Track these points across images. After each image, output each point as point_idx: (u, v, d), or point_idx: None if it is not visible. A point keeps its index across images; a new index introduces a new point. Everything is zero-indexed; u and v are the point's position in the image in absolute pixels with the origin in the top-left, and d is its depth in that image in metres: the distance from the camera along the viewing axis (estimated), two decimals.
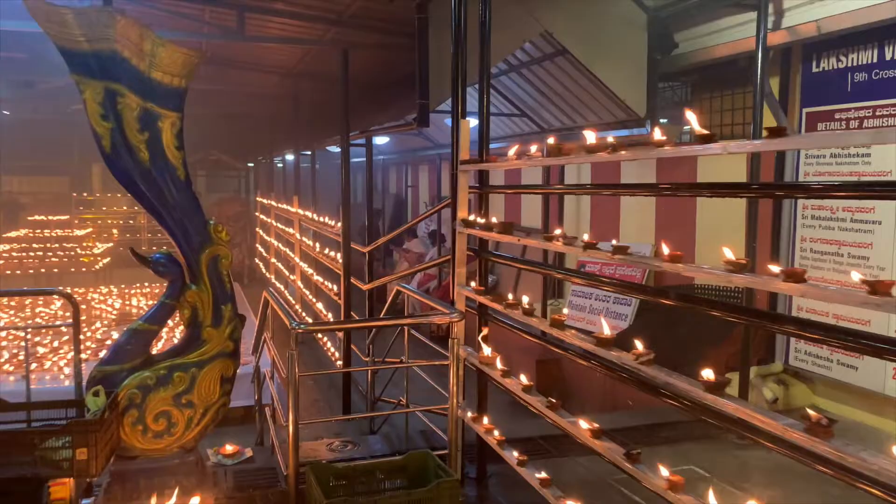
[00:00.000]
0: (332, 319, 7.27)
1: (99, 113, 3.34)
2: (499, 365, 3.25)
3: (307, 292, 9.01)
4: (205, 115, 15.16)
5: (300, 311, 9.16)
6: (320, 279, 7.84)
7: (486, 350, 3.41)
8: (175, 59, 3.40)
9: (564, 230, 3.05)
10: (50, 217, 13.54)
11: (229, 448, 4.10)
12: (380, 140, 10.66)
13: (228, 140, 15.56)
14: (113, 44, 3.25)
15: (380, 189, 17.62)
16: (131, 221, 17.16)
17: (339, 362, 6.83)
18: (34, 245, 12.97)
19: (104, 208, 17.57)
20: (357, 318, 6.29)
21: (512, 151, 3.30)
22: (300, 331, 3.24)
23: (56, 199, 19.96)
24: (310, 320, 7.36)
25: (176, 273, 3.56)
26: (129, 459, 3.45)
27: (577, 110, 6.08)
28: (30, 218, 13.71)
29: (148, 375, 3.42)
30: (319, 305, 7.98)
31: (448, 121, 7.46)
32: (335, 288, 7.38)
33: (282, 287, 11.42)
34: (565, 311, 7.37)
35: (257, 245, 14.69)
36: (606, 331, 2.63)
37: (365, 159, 6.35)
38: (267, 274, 12.66)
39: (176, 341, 6.19)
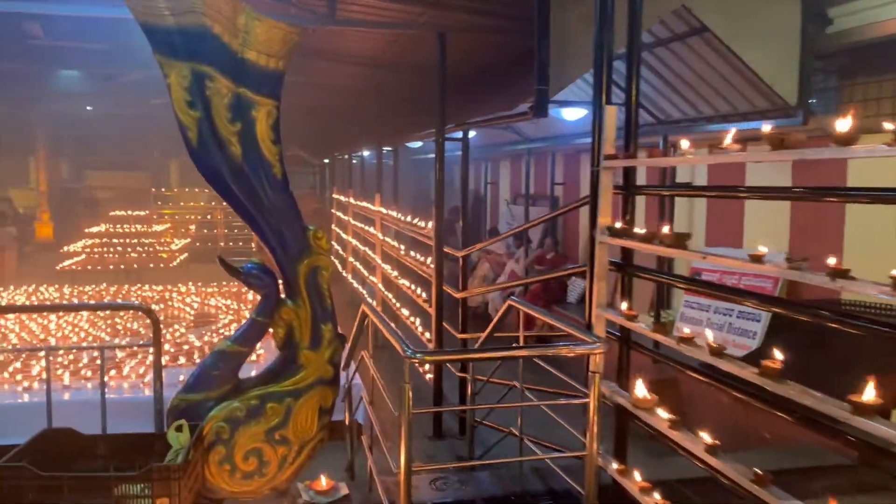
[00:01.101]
0: (421, 329, 6.74)
1: (185, 100, 2.86)
2: (664, 414, 2.61)
3: (389, 294, 8.53)
4: (281, 108, 14.99)
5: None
6: (406, 283, 7.32)
7: (642, 390, 2.77)
8: (272, 37, 2.90)
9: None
10: (130, 212, 13.51)
11: (323, 483, 3.60)
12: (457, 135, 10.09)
13: (305, 135, 15.28)
14: (201, 17, 2.77)
15: (454, 186, 17.10)
16: (209, 217, 17.18)
17: (429, 375, 6.30)
18: (114, 240, 12.99)
19: (182, 203, 17.66)
20: (459, 333, 5.73)
21: (686, 143, 2.63)
22: (416, 360, 2.69)
23: (136, 195, 20.26)
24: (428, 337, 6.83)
25: (270, 286, 3.07)
26: (214, 503, 2.98)
27: (708, 99, 5.35)
28: (111, 213, 13.72)
29: (237, 406, 2.93)
30: (405, 311, 7.47)
31: (557, 111, 6.87)
32: (424, 294, 6.85)
33: (357, 286, 11.01)
34: (678, 324, 6.63)
35: (333, 243, 14.36)
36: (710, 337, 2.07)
37: (442, 155, 5.75)
38: (343, 273, 12.28)
39: (256, 358, 5.82)
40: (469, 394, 4.57)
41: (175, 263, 12.63)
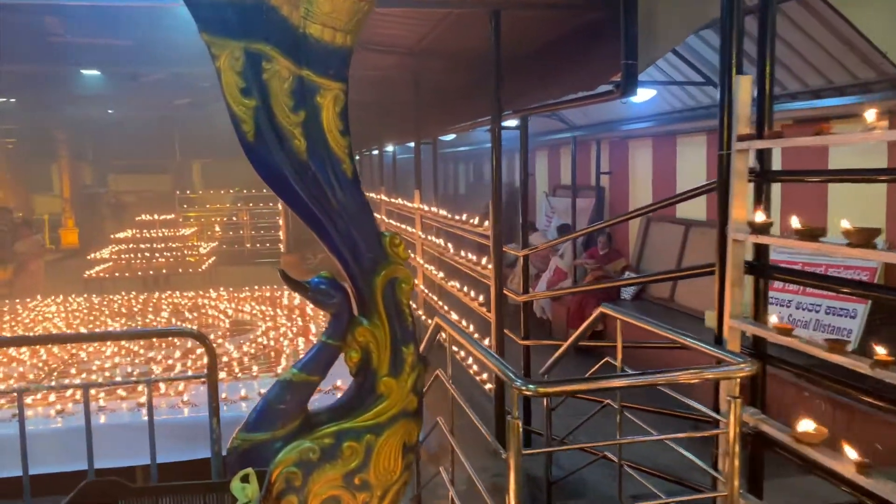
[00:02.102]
0: (477, 336, 6.27)
1: (238, 87, 2.40)
2: (853, 455, 2.11)
3: (433, 297, 8.08)
4: None
5: (424, 317, 8.26)
6: (454, 284, 6.85)
7: (807, 424, 2.27)
8: (338, 7, 2.43)
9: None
10: (156, 216, 13.20)
11: None
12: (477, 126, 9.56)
13: None
14: None
15: (487, 179, 16.60)
16: (234, 218, 16.87)
17: (488, 385, 5.84)
18: (141, 246, 12.68)
19: (207, 206, 17.36)
20: (521, 340, 5.26)
21: (872, 115, 2.12)
22: (529, 392, 2.21)
23: (159, 198, 20.00)
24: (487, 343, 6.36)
25: (342, 304, 2.61)
26: None
27: (798, 74, 4.81)
28: (136, 218, 13.42)
29: (309, 447, 2.48)
30: (453, 315, 7.01)
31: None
32: (473, 295, 6.38)
33: None
34: None
35: None
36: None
37: (499, 145, 5.27)
38: None
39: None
40: (545, 407, 4.11)
41: (203, 267, 12.28)
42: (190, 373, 5.48)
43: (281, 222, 15.25)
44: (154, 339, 6.97)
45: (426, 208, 8.18)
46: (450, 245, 7.13)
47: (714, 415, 2.61)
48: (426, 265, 8.29)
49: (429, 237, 8.17)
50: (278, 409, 2.54)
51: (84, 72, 11.14)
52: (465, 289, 6.43)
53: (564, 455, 4.35)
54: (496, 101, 4.99)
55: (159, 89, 10.97)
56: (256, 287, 9.93)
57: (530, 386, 2.21)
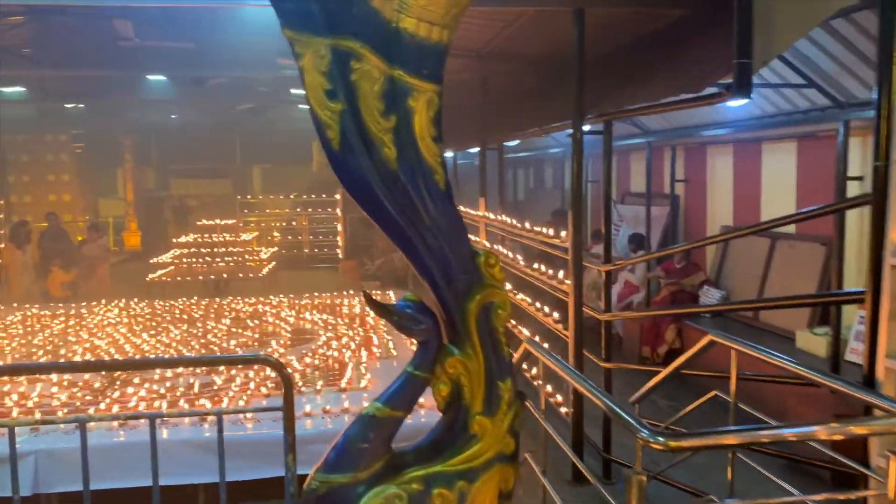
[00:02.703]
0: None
1: (323, 88, 2.15)
2: None
3: None
4: None
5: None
6: (525, 298, 6.53)
7: None
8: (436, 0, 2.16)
9: None
10: (218, 221, 13.25)
11: None
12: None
13: None
14: None
15: (547, 185, 16.21)
16: (293, 223, 16.88)
17: (564, 408, 5.50)
18: (202, 250, 12.73)
19: (267, 210, 17.44)
20: (603, 362, 4.89)
21: None
22: (659, 447, 1.89)
23: (218, 202, 20.25)
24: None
25: (430, 330, 2.34)
26: None
27: None
28: (198, 223, 13.50)
29: (396, 493, 2.21)
30: (524, 331, 6.69)
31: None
32: (546, 310, 6.05)
33: None
34: (853, 343, 5.60)
35: None
36: None
37: (580, 151, 4.93)
38: None
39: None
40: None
41: (264, 272, 12.24)
42: (264, 399, 5.29)
43: (339, 228, 15.17)
44: (216, 347, 6.86)
45: (491, 216, 7.88)
46: (519, 256, 6.81)
47: (863, 470, 2.23)
48: None
49: (494, 247, 7.87)
50: (360, 447, 2.27)
51: (150, 77, 11.27)
52: (538, 304, 6.09)
53: (655, 490, 3.98)
54: (578, 103, 4.67)
55: (222, 94, 11.00)
56: (316, 294, 9.80)
57: (660, 439, 1.88)
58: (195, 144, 19.41)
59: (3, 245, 12.13)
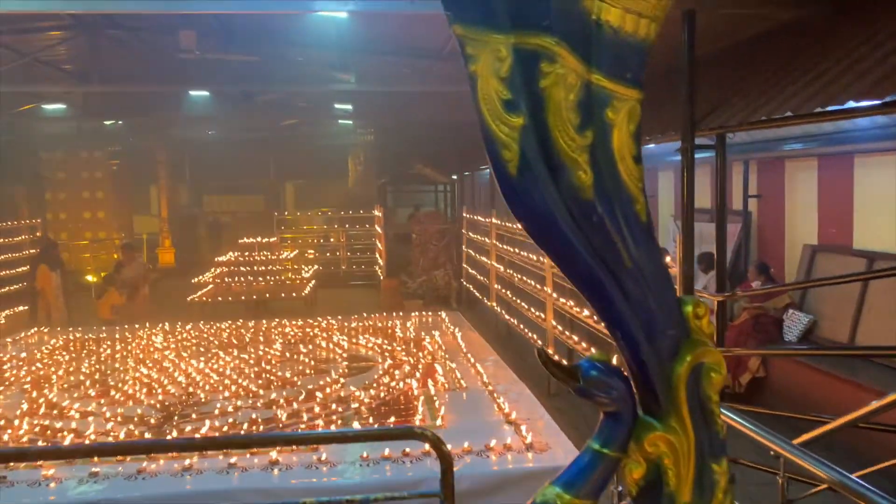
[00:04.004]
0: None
1: (501, 98, 1.70)
2: None
3: (572, 337, 7.29)
4: (407, 122, 14.14)
5: (556, 355, 7.45)
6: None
7: None
8: None
9: None
10: (259, 239, 12.94)
11: None
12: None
13: (434, 149, 14.34)
14: None
15: None
16: (331, 240, 16.54)
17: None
18: (242, 269, 12.40)
19: (304, 227, 17.11)
20: None
21: None
22: None
23: (254, 218, 20.02)
24: None
25: (624, 398, 1.87)
26: None
27: None
28: (239, 241, 13.20)
29: None
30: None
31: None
32: None
33: (509, 318, 9.85)
34: None
35: (465, 265, 13.30)
36: None
37: (692, 167, 4.46)
38: (487, 301, 11.15)
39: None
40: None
41: (306, 292, 11.88)
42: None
43: (380, 245, 14.79)
44: (268, 351, 6.42)
45: None
46: None
47: None
48: (560, 298, 7.52)
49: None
50: None
51: (192, 93, 11.01)
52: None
53: None
54: (689, 114, 4.20)
55: (269, 110, 10.71)
56: (365, 315, 9.40)
57: None
58: (230, 161, 19.22)
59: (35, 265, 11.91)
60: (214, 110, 11.49)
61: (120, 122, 14.61)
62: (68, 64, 8.27)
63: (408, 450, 4.43)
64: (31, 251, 13.03)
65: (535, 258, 8.32)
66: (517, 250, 9.35)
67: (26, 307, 11.31)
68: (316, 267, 13.86)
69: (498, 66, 1.72)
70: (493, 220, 10.62)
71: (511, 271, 9.88)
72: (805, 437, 3.06)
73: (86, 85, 8.03)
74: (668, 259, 8.00)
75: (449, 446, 4.57)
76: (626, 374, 1.90)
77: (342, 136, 16.84)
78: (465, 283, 13.28)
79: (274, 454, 4.44)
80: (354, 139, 17.38)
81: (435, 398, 5.76)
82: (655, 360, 1.85)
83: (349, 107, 11.84)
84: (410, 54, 7.64)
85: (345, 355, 7.41)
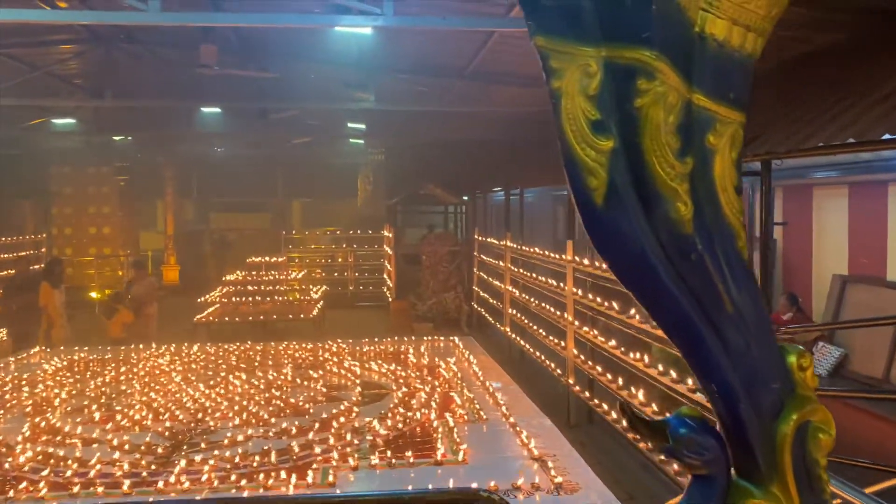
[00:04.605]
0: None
1: (588, 118, 1.50)
2: None
3: (595, 368, 7.04)
4: (419, 142, 13.98)
5: (583, 394, 7.21)
6: (634, 355, 5.81)
7: None
8: None
9: None
10: (267, 258, 12.73)
11: None
12: None
13: (446, 170, 14.18)
14: None
15: None
16: (339, 259, 16.32)
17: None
18: (249, 288, 12.19)
19: (312, 246, 16.91)
20: None
21: None
22: None
23: (260, 236, 19.83)
24: None
25: (718, 460, 1.65)
26: None
27: None
28: (248, 260, 13.00)
29: None
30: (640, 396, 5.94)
31: None
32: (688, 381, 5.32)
33: (524, 343, 9.61)
34: None
35: (476, 288, 13.07)
36: None
37: (769, 189, 4.27)
38: (500, 326, 10.90)
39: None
40: None
41: (315, 313, 11.64)
42: (351, 474, 4.57)
43: (389, 266, 14.59)
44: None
45: (582, 262, 7.20)
46: (613, 304, 6.12)
47: None
48: (584, 327, 7.28)
49: (587, 295, 7.17)
50: None
51: (204, 109, 10.88)
52: (648, 360, 5.37)
53: None
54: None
55: (282, 127, 10.56)
56: (376, 339, 9.16)
57: None
58: (238, 178, 19.08)
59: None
60: (226, 127, 11.35)
61: (129, 138, 14.48)
62: (80, 78, 8.14)
63: None
64: (36, 266, 12.84)
65: (554, 283, 8.09)
66: (534, 275, 9.12)
67: (27, 326, 11.08)
68: (324, 287, 13.62)
69: (586, 83, 1.51)
70: (508, 243, 10.41)
71: (526, 296, 9.65)
72: (876, 487, 2.83)
73: (98, 100, 7.89)
74: None
75: (474, 484, 4.41)
76: (719, 432, 1.69)
77: (352, 155, 16.71)
78: (475, 306, 13.05)
79: (291, 491, 4.19)
80: (365, 158, 17.26)
81: (454, 430, 5.51)
82: (756, 417, 1.63)
83: (363, 126, 11.71)
84: (431, 73, 7.51)
85: (357, 381, 7.16)
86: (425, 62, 7.27)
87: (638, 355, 5.56)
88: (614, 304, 6.31)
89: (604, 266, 6.71)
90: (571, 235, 7.58)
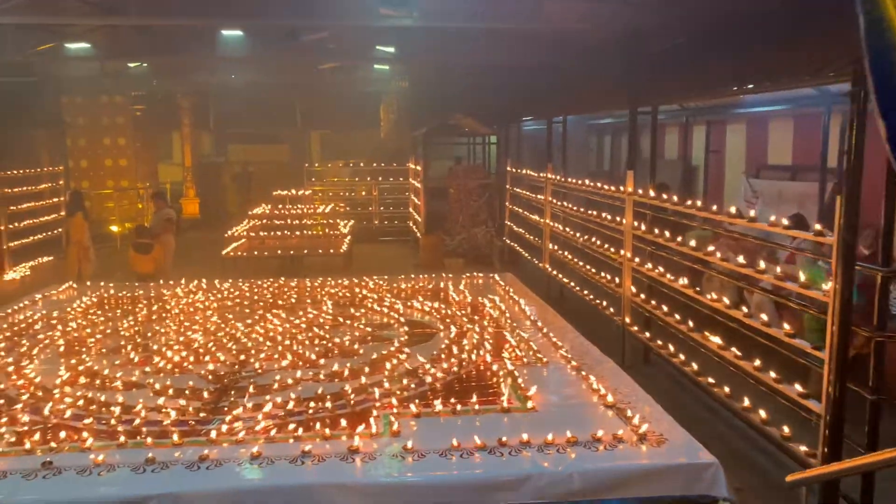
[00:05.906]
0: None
1: None
2: None
3: (651, 303, 6.65)
4: (452, 66, 13.15)
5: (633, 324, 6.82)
6: (723, 300, 5.38)
7: None
8: None
9: None
10: (293, 191, 12.29)
11: None
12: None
13: (475, 99, 13.51)
14: None
15: (644, 156, 14.87)
16: (363, 193, 15.87)
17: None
18: (275, 222, 11.80)
19: (335, 179, 16.42)
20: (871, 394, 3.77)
21: None
22: None
23: (280, 169, 19.31)
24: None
25: None
26: None
27: None
28: (274, 193, 12.57)
29: None
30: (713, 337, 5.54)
31: None
32: (785, 325, 4.90)
33: (567, 280, 9.22)
34: None
35: (508, 222, 12.61)
36: None
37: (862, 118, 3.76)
38: (538, 262, 10.49)
39: None
40: None
41: (344, 248, 11.27)
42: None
43: (416, 200, 14.11)
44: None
45: (642, 192, 6.71)
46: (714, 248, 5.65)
47: None
48: (645, 264, 6.84)
49: (640, 227, 6.70)
50: None
51: (225, 32, 10.24)
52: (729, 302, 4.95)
53: None
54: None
55: (310, 52, 9.92)
56: (413, 276, 8.78)
57: None
58: (257, 108, 18.40)
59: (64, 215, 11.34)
60: (248, 51, 10.72)
61: (144, 65, 13.83)
62: None
63: None
64: (55, 199, 12.47)
65: (609, 218, 7.61)
66: (581, 209, 8.64)
67: (51, 258, 10.79)
68: (352, 222, 13.21)
69: None
70: (549, 175, 9.89)
71: (569, 229, 9.20)
72: None
73: (117, 17, 7.30)
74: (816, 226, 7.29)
75: (550, 436, 4.06)
76: None
77: (376, 82, 15.94)
78: (507, 241, 12.62)
79: (357, 441, 3.87)
80: (389, 86, 16.50)
81: (515, 373, 5.15)
82: None
83: (392, 49, 11.00)
84: None
85: (402, 320, 6.81)
86: None
87: (714, 295, 5.12)
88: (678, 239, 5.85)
89: (667, 198, 6.24)
90: (631, 164, 7.06)
